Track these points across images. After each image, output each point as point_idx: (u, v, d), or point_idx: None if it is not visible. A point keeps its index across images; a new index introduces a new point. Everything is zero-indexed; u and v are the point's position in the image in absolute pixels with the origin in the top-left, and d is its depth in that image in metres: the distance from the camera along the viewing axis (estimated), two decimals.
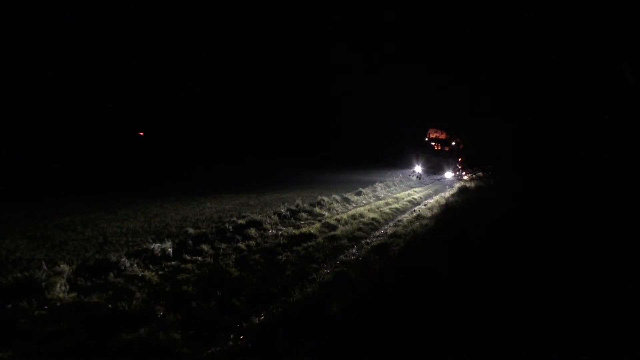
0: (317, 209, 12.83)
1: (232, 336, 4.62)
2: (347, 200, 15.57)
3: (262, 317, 5.14)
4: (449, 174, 25.42)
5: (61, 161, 24.79)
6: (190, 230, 8.83)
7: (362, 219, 11.52)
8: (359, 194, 17.51)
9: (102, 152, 30.27)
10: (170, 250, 7.35)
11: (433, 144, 29.20)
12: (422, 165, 28.06)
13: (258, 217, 10.20)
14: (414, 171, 27.28)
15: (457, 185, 22.26)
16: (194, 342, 4.41)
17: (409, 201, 17.17)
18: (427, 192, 22.50)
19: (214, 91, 48.33)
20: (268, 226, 9.87)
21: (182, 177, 23.96)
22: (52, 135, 28.32)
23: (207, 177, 24.61)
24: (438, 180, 25.62)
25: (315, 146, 51.04)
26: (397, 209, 14.66)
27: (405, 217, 13.30)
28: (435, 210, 12.67)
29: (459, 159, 25.03)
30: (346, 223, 10.83)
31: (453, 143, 25.83)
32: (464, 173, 23.66)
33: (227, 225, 9.30)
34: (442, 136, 27.77)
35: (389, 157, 41.33)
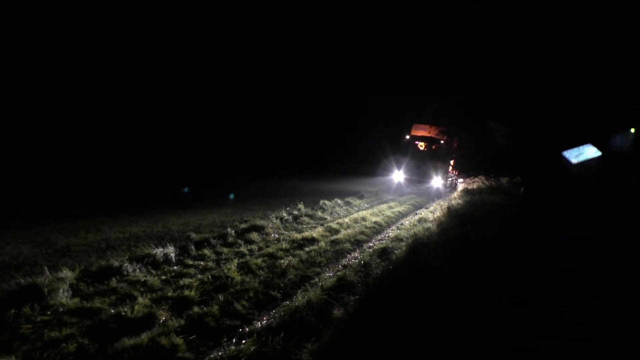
0: (319, 213, 12.83)
1: (234, 340, 4.62)
2: (349, 204, 15.57)
3: (265, 322, 5.13)
4: (436, 181, 21.97)
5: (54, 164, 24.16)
6: (193, 235, 8.83)
7: (364, 223, 11.52)
8: (361, 197, 17.49)
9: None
10: (172, 255, 7.35)
11: (417, 143, 23.64)
12: (404, 172, 22.83)
13: (260, 222, 10.19)
14: (392, 179, 23.03)
15: (454, 194, 19.11)
16: (196, 347, 4.40)
17: (412, 204, 17.19)
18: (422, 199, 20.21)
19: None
20: (270, 230, 9.87)
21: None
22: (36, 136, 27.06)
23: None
24: (423, 189, 21.99)
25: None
26: (399, 212, 14.66)
27: (408, 220, 13.29)
28: (437, 213, 12.65)
29: (451, 161, 22.12)
30: (348, 227, 10.83)
31: (442, 141, 22.04)
32: (460, 180, 22.54)
33: (229, 229, 9.29)
34: (429, 133, 22.99)
35: (358, 161, 35.75)
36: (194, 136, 38.68)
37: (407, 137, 23.81)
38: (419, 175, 22.31)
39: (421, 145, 23.40)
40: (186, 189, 17.06)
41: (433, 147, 22.85)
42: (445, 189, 22.16)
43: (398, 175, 22.67)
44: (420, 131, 23.43)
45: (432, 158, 22.35)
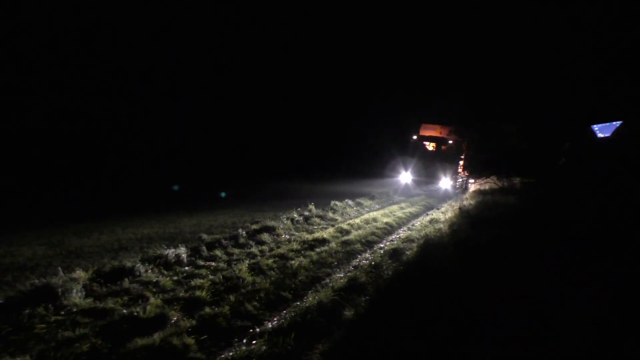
0: (330, 214, 12.82)
1: (245, 341, 4.63)
2: (360, 205, 15.53)
3: (275, 322, 5.13)
4: (445, 182, 21.21)
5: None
6: (204, 236, 8.88)
7: (375, 224, 11.48)
8: (372, 198, 17.44)
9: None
10: (184, 256, 7.39)
11: (426, 143, 22.85)
12: (412, 173, 22.04)
13: (271, 223, 10.21)
14: (399, 180, 22.29)
15: (466, 195, 18.55)
16: (208, 347, 4.42)
17: (423, 205, 17.10)
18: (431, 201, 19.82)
19: None
20: (281, 231, 9.89)
21: None
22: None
23: None
24: (431, 190, 21.32)
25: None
26: (410, 213, 14.59)
27: (419, 221, 13.22)
28: (449, 214, 12.57)
29: (461, 162, 21.90)
30: (359, 227, 10.80)
31: (450, 141, 21.75)
32: (471, 181, 22.27)
33: (240, 230, 9.32)
34: (440, 133, 22.32)
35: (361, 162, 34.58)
36: (199, 138, 38.74)
37: (415, 137, 23.05)
38: (426, 177, 21.62)
39: (430, 146, 22.67)
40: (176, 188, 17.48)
41: (442, 147, 22.16)
42: (455, 190, 21.51)
43: (405, 177, 22.05)
44: (429, 131, 22.82)
45: (441, 159, 21.69)
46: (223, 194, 18.81)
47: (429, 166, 21.50)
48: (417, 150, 22.35)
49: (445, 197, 20.20)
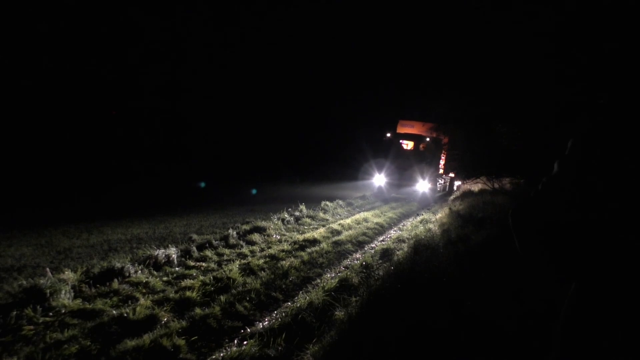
0: (321, 214, 12.84)
1: (236, 342, 4.62)
2: (350, 205, 15.56)
3: (266, 323, 5.13)
4: (422, 185, 19.34)
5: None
6: (194, 237, 8.84)
7: (366, 224, 11.52)
8: (363, 198, 17.49)
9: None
10: (174, 256, 7.34)
11: (402, 142, 20.92)
12: (386, 175, 19.99)
13: (262, 223, 10.19)
14: (373, 183, 20.78)
15: (453, 196, 18.50)
16: (198, 348, 4.41)
17: (414, 206, 17.17)
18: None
19: None
20: (272, 232, 9.87)
21: None
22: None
23: None
24: (406, 193, 20.01)
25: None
26: (402, 213, 14.66)
27: (409, 221, 13.29)
28: (439, 215, 12.65)
29: (441, 162, 20.63)
30: (350, 228, 10.82)
31: (427, 139, 20.15)
32: (457, 182, 21.75)
33: (230, 231, 9.30)
34: (419, 131, 20.64)
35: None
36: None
37: (388, 134, 21.17)
38: (401, 179, 19.80)
39: (407, 144, 20.91)
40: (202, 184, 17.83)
41: (421, 146, 20.49)
42: (435, 193, 20.09)
43: (379, 179, 20.33)
44: (407, 128, 21.38)
45: (419, 159, 19.91)
46: (254, 191, 18.88)
47: (405, 167, 19.75)
48: (392, 150, 20.47)
49: (423, 200, 19.13)
